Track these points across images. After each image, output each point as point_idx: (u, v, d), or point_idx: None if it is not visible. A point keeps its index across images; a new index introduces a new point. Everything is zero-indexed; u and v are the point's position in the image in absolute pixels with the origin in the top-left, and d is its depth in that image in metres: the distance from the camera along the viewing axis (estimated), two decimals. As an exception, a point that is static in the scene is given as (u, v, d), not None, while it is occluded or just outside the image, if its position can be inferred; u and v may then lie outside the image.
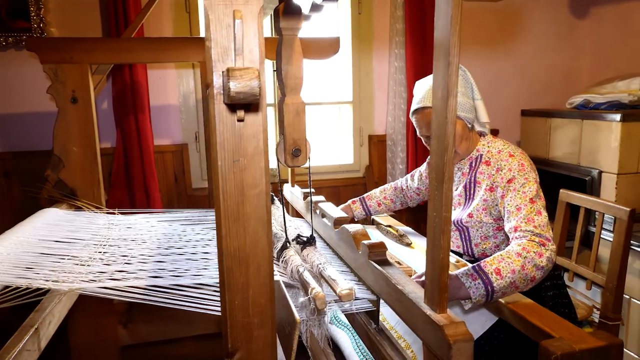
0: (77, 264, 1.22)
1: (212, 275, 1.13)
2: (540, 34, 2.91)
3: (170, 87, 2.47)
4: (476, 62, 2.82)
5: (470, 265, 1.23)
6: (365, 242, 1.17)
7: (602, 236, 2.00)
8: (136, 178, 2.33)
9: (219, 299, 1.13)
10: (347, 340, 1.45)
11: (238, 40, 0.74)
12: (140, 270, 1.19)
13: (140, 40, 1.92)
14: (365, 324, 1.26)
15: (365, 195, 2.01)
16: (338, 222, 1.41)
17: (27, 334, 1.02)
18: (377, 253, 1.15)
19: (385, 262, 1.13)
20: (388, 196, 1.97)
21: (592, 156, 2.18)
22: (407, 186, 1.93)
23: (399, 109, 2.67)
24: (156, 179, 2.35)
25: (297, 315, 0.98)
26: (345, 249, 1.30)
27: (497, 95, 2.86)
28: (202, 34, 2.46)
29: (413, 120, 1.56)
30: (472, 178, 1.54)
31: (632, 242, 1.79)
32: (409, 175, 1.95)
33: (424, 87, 1.54)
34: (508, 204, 1.36)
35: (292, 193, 2.09)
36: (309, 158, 1.28)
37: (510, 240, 1.32)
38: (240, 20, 0.73)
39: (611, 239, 1.98)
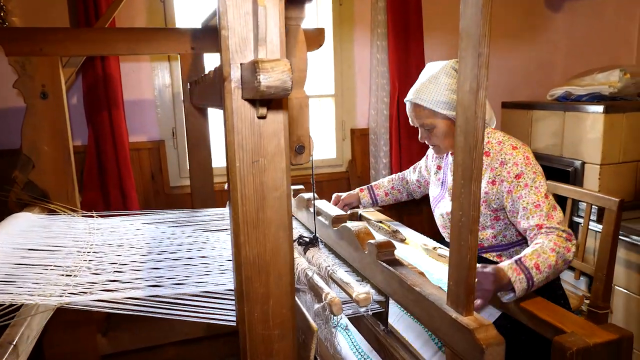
0: (63, 275, 1.12)
1: (216, 281, 1.06)
2: (516, 27, 2.94)
3: (144, 81, 2.34)
4: (450, 52, 2.80)
5: (509, 260, 1.23)
6: (372, 241, 1.13)
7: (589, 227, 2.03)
8: (111, 177, 2.20)
9: (227, 307, 1.06)
10: (343, 342, 1.40)
11: (261, 30, 0.67)
12: (136, 279, 1.10)
13: (117, 31, 1.79)
14: (373, 326, 1.21)
15: (373, 184, 2.00)
16: (337, 221, 1.36)
17: (5, 352, 0.92)
18: (386, 253, 1.11)
19: (395, 262, 1.09)
20: (396, 186, 1.96)
21: (575, 147, 2.21)
22: (409, 179, 1.94)
23: (381, 102, 2.63)
24: (133, 177, 2.23)
25: (313, 323, 0.93)
26: (347, 248, 1.25)
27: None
28: (178, 25, 2.35)
29: (406, 106, 1.59)
30: None
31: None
32: (411, 168, 1.95)
33: (423, 78, 1.53)
34: (524, 201, 1.36)
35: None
36: (312, 155, 1.24)
37: (532, 237, 1.33)
38: (264, 7, 0.66)
39: (596, 229, 2.02)
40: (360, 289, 0.97)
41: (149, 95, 2.37)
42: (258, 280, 0.77)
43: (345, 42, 2.65)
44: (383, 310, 1.12)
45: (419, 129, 1.57)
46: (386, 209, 2.69)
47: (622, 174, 2.16)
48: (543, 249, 1.23)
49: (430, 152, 1.79)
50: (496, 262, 1.53)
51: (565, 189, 1.90)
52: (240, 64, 0.71)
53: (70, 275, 1.12)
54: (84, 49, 1.70)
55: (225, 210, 1.89)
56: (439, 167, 1.73)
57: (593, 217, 2.02)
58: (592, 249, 2.01)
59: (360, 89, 2.71)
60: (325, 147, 2.80)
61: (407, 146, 2.59)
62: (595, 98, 2.22)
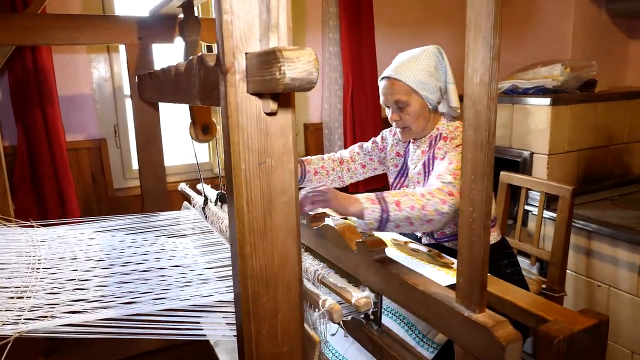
0: (13, 297, 0.97)
1: (200, 293, 0.96)
2: (456, 20, 3.01)
3: (81, 74, 2.14)
4: (400, 45, 2.82)
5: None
6: (362, 240, 1.08)
7: (534, 213, 2.12)
8: (46, 181, 1.99)
9: (217, 320, 0.97)
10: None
11: (273, 14, 0.59)
12: (103, 296, 0.97)
13: (54, 17, 1.60)
14: (366, 328, 1.16)
15: (305, 158, 1.78)
16: (316, 219, 1.30)
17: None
18: (378, 251, 1.07)
19: (388, 261, 1.05)
20: (326, 166, 1.76)
21: (523, 139, 2.30)
22: (351, 157, 1.78)
23: (335, 95, 2.60)
24: (72, 181, 2.03)
25: (315, 334, 0.87)
26: (333, 248, 1.20)
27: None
28: (118, 12, 2.17)
29: (380, 85, 1.56)
30: (431, 155, 1.54)
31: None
32: (356, 146, 1.80)
33: (398, 59, 1.53)
34: (444, 161, 1.40)
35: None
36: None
37: (426, 184, 1.37)
38: (277, -12, 0.59)
39: (546, 216, 2.12)
40: (359, 294, 0.92)
41: (86, 90, 2.16)
42: (266, 295, 0.70)
43: (297, 34, 2.58)
44: (376, 310, 1.08)
45: (391, 108, 1.54)
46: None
47: (567, 162, 2.28)
48: (413, 192, 1.24)
49: (389, 136, 1.74)
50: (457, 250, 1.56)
51: (520, 179, 1.97)
52: (245, 53, 0.63)
53: (23, 297, 0.98)
54: (14, 37, 1.51)
55: (185, 213, 1.77)
56: (398, 154, 1.69)
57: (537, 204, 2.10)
58: (542, 236, 2.10)
59: (312, 83, 2.64)
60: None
61: (362, 140, 2.57)
62: (540, 91, 2.32)
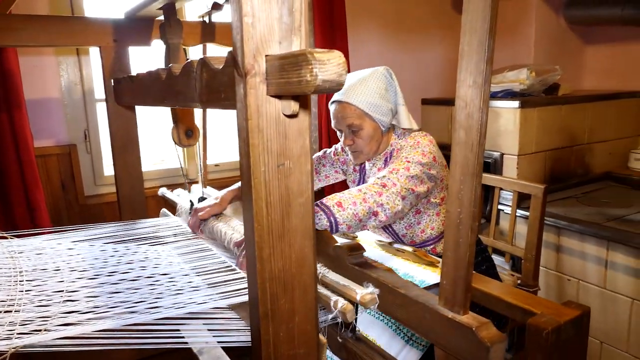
0: (0, 312, 0.92)
1: (195, 300, 0.94)
2: (427, 25, 3.08)
3: (49, 78, 2.05)
4: (374, 49, 2.88)
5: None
6: (340, 244, 1.09)
7: (506, 212, 2.21)
8: (14, 189, 1.89)
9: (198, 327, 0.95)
10: None
11: (296, 17, 0.60)
12: (96, 307, 0.94)
13: (25, 18, 1.53)
14: (339, 335, 1.16)
15: None
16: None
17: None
18: (356, 255, 1.07)
19: (366, 265, 1.06)
20: None
21: (494, 140, 2.39)
22: (316, 169, 1.75)
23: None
24: (41, 188, 1.94)
25: (322, 336, 0.87)
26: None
27: (396, 85, 2.97)
28: (87, 14, 2.09)
29: (331, 110, 1.53)
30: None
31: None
32: (319, 156, 1.76)
33: (351, 80, 1.48)
34: (389, 166, 1.39)
35: (208, 195, 1.89)
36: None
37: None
38: (300, -9, 0.59)
39: (520, 215, 2.20)
40: (364, 290, 0.93)
41: (55, 94, 2.08)
42: (284, 297, 0.70)
43: (270, 38, 2.57)
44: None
45: (344, 132, 1.51)
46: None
47: (536, 162, 2.38)
48: (350, 192, 1.26)
49: (345, 155, 1.71)
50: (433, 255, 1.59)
51: (494, 179, 2.04)
52: (266, 55, 0.63)
53: (11, 311, 0.93)
54: (-16, 38, 1.43)
55: (165, 221, 1.73)
56: (354, 170, 1.68)
57: (509, 203, 2.19)
58: (514, 233, 2.18)
59: (286, 87, 2.64)
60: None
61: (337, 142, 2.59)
62: (508, 94, 2.42)
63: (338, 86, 0.55)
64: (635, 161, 2.63)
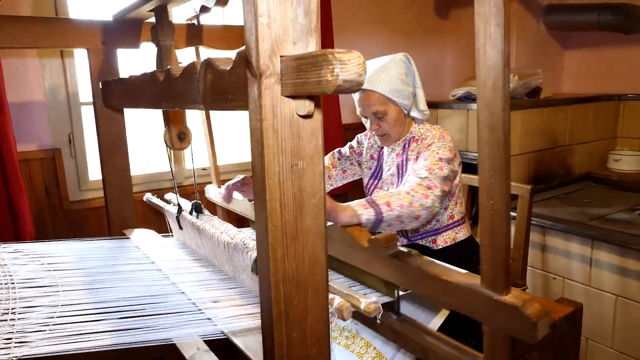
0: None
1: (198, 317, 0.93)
2: (410, 30, 3.13)
3: (33, 80, 2.00)
4: (358, 49, 2.89)
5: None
6: (374, 237, 1.11)
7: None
8: (-4, 195, 1.84)
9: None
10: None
11: (313, 19, 0.60)
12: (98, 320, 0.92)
13: (10, 19, 1.49)
14: (385, 318, 1.16)
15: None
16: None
17: None
18: (392, 246, 1.10)
19: (403, 254, 1.08)
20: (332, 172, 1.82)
21: (479, 142, 2.42)
22: (332, 164, 1.82)
23: (296, 102, 2.60)
24: (25, 194, 1.89)
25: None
26: (340, 248, 1.20)
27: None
28: (71, 15, 2.05)
29: (355, 99, 1.59)
30: (405, 157, 1.60)
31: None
32: (335, 152, 1.84)
33: (371, 68, 1.55)
34: (419, 159, 1.47)
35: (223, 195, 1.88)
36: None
37: (405, 182, 1.43)
38: (316, -8, 0.60)
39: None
40: (367, 300, 0.93)
41: (38, 97, 2.03)
42: (297, 298, 0.70)
43: (257, 41, 2.56)
44: (393, 300, 1.10)
45: (369, 119, 1.58)
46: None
47: (520, 164, 2.43)
48: (398, 191, 1.30)
49: (364, 140, 1.79)
50: (431, 248, 1.63)
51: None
52: (281, 56, 0.63)
53: (7, 320, 0.90)
54: (-32, 39, 1.40)
55: (149, 234, 1.70)
56: (372, 157, 1.74)
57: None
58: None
59: (273, 90, 2.64)
60: (238, 149, 2.69)
61: (328, 145, 2.60)
62: (492, 97, 2.46)
63: (357, 86, 0.56)
64: (614, 162, 2.71)
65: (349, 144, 1.82)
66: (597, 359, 2.06)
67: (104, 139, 1.73)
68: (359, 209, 1.21)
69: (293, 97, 0.64)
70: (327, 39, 2.58)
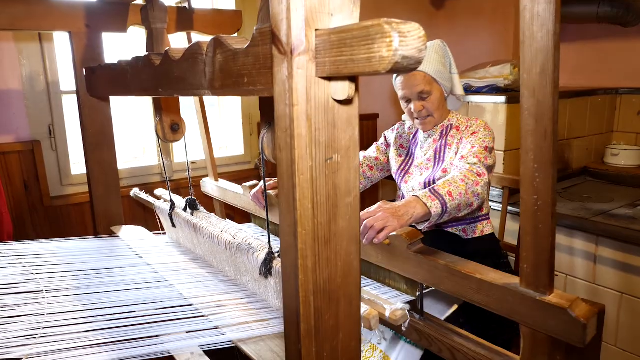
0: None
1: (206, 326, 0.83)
2: (405, 20, 3.05)
3: (8, 67, 1.86)
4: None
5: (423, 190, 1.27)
6: (396, 233, 1.04)
7: (495, 208, 2.19)
8: (-30, 191, 1.70)
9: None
10: None
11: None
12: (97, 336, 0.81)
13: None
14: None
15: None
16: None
17: None
18: (416, 242, 1.02)
19: (428, 251, 1.01)
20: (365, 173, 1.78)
21: (479, 136, 2.36)
22: (369, 166, 1.78)
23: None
24: (2, 189, 1.75)
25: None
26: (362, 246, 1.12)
27: (375, 79, 2.91)
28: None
29: (397, 82, 1.57)
30: (444, 142, 1.59)
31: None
32: (362, 156, 1.78)
33: None
34: (465, 145, 1.48)
35: (224, 188, 1.78)
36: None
37: (454, 166, 1.43)
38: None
39: (509, 211, 2.18)
40: (394, 307, 0.85)
41: (14, 85, 1.88)
42: (328, 311, 0.61)
43: (250, 29, 2.45)
44: (416, 299, 1.03)
45: (413, 100, 1.54)
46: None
47: (517, 159, 2.37)
48: (454, 179, 1.28)
49: (391, 133, 1.76)
50: (462, 237, 1.59)
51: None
52: (316, 29, 0.53)
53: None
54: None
55: (139, 231, 1.59)
56: (401, 146, 1.73)
57: (500, 199, 2.17)
58: (505, 230, 2.16)
59: (266, 80, 2.53)
60: (232, 143, 2.57)
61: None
62: (493, 90, 2.40)
63: (416, 64, 0.47)
64: (612, 157, 2.68)
65: (375, 145, 1.80)
66: (600, 358, 2.02)
67: (89, 131, 1.61)
68: (427, 201, 1.17)
69: (329, 79, 0.55)
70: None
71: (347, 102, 0.57)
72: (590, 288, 2.02)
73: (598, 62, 2.90)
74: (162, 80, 0.97)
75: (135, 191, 1.78)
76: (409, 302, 1.03)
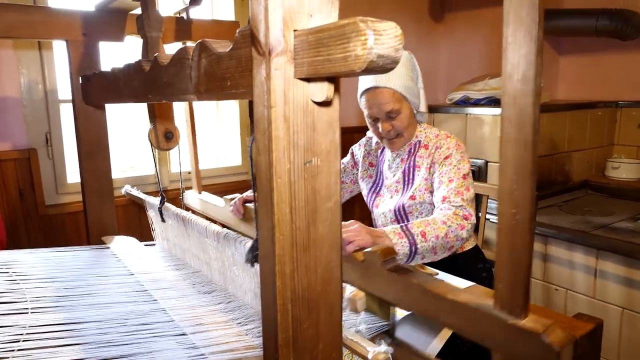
0: None
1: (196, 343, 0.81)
2: (404, 33, 3.05)
3: (6, 75, 1.87)
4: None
5: (395, 225, 1.22)
6: (371, 249, 1.00)
7: (492, 221, 2.16)
8: (-36, 198, 1.70)
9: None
10: None
11: (334, -18, 0.50)
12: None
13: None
14: (379, 342, 1.06)
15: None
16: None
17: None
18: (390, 260, 0.99)
19: (402, 269, 0.98)
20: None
21: (478, 147, 2.35)
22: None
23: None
24: (-4, 197, 1.75)
25: None
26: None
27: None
28: (50, 3, 1.92)
29: (362, 100, 1.48)
30: (412, 163, 1.52)
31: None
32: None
33: None
34: (441, 176, 1.40)
35: (205, 201, 1.76)
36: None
37: (436, 208, 1.36)
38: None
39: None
40: (376, 348, 0.82)
41: (13, 93, 1.89)
42: (307, 321, 0.59)
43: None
44: (389, 327, 0.99)
45: (381, 120, 1.46)
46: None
47: (520, 170, 2.36)
48: (434, 220, 1.24)
49: (358, 150, 1.70)
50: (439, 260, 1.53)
51: (483, 187, 1.99)
52: (294, 30, 0.52)
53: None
54: None
55: (130, 242, 1.57)
56: (371, 164, 1.65)
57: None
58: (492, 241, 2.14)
59: (265, 91, 2.53)
60: (229, 153, 2.57)
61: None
62: (491, 102, 2.39)
63: (392, 64, 0.46)
64: (613, 170, 2.65)
65: (341, 161, 1.72)
66: (601, 374, 1.98)
67: (83, 139, 1.60)
68: (394, 237, 1.13)
69: (308, 80, 0.54)
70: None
71: (326, 104, 0.56)
72: (590, 303, 1.98)
73: (597, 75, 2.90)
74: (152, 86, 0.96)
75: (126, 188, 1.78)
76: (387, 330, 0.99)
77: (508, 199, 0.74)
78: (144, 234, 1.87)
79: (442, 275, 1.32)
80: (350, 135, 2.73)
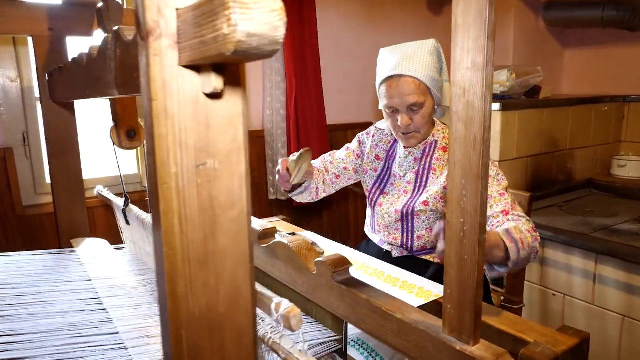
0: None
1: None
2: (403, 25, 2.96)
3: (-20, 72, 1.82)
4: (344, 45, 2.73)
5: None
6: (321, 259, 0.92)
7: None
8: None
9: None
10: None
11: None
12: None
13: None
14: None
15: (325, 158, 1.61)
16: (265, 235, 1.11)
17: None
18: (342, 272, 0.90)
19: (354, 282, 0.89)
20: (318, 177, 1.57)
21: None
22: (325, 167, 1.60)
23: (277, 100, 2.43)
24: (-32, 197, 1.70)
25: None
26: (285, 269, 1.02)
27: (369, 87, 2.82)
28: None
29: (382, 89, 1.36)
30: (427, 165, 1.40)
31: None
32: (327, 155, 1.62)
33: (398, 54, 1.34)
34: (488, 190, 1.25)
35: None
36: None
37: (497, 223, 1.20)
38: None
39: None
40: None
41: (-13, 91, 1.84)
42: (209, 348, 0.51)
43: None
44: (340, 346, 0.91)
45: (401, 113, 1.33)
46: (284, 214, 2.49)
47: (517, 169, 2.25)
48: (522, 229, 1.09)
49: (367, 139, 1.57)
50: (439, 263, 1.42)
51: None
52: (177, 9, 0.44)
53: None
54: None
55: (99, 245, 1.51)
56: (377, 157, 1.53)
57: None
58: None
59: (253, 88, 2.46)
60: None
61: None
62: (488, 97, 2.29)
63: (271, 44, 0.37)
64: (619, 168, 2.53)
65: (346, 146, 1.61)
66: (601, 385, 1.87)
67: (52, 138, 1.54)
68: (506, 240, 1.00)
69: (197, 68, 0.46)
70: (309, 33, 2.40)
71: (219, 96, 0.47)
72: (589, 309, 1.87)
73: (604, 68, 2.77)
74: (88, 81, 0.89)
75: (98, 188, 1.71)
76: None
77: (456, 207, 0.66)
78: (120, 237, 1.81)
79: (422, 281, 1.23)
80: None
